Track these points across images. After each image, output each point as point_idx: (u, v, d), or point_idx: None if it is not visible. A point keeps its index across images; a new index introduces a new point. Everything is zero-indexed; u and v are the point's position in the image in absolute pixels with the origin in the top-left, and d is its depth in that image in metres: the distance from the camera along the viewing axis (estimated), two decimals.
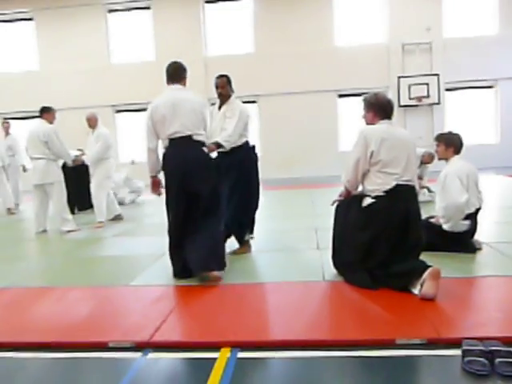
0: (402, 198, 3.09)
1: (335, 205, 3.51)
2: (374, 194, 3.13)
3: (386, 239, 3.06)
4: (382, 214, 3.06)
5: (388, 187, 3.07)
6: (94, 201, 6.36)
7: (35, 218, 6.11)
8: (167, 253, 3.68)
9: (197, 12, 13.75)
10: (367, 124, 3.30)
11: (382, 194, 3.09)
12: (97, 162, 6.36)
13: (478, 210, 3.95)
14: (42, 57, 14.32)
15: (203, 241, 3.45)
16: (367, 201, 3.15)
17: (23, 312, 3.01)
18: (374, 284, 3.05)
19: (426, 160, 6.60)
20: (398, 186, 3.07)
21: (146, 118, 3.60)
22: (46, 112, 6.02)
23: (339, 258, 3.38)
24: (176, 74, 3.63)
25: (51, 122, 5.99)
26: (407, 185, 3.12)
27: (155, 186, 3.77)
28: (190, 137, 3.47)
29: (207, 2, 13.90)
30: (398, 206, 3.06)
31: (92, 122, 6.46)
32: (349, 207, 3.31)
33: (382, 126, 3.19)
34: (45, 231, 6.10)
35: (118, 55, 14.32)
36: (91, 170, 6.54)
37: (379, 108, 3.24)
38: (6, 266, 4.42)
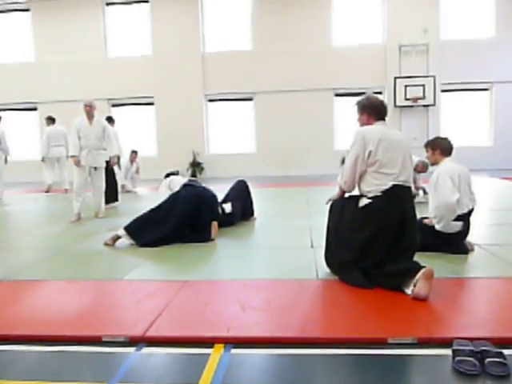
0: (399, 198, 3.11)
1: (329, 204, 3.53)
2: (370, 195, 3.15)
3: (383, 239, 3.07)
4: (378, 214, 3.08)
5: (385, 187, 3.09)
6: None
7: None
8: (162, 247, 3.69)
9: (195, 8, 13.70)
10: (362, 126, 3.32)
11: (378, 194, 3.11)
12: None
13: (470, 211, 3.99)
14: (37, 48, 14.20)
15: None
16: (364, 201, 3.17)
17: (16, 305, 3.00)
18: (369, 283, 3.08)
19: (419, 169, 6.55)
20: (394, 186, 3.09)
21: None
22: None
23: (334, 257, 3.38)
24: None
25: None
26: (403, 185, 3.14)
27: None
28: None
29: None
30: (394, 206, 3.08)
31: None
32: (344, 207, 3.32)
33: (378, 126, 3.21)
34: None
35: (114, 49, 14.23)
36: None
37: (373, 109, 3.27)
38: None
